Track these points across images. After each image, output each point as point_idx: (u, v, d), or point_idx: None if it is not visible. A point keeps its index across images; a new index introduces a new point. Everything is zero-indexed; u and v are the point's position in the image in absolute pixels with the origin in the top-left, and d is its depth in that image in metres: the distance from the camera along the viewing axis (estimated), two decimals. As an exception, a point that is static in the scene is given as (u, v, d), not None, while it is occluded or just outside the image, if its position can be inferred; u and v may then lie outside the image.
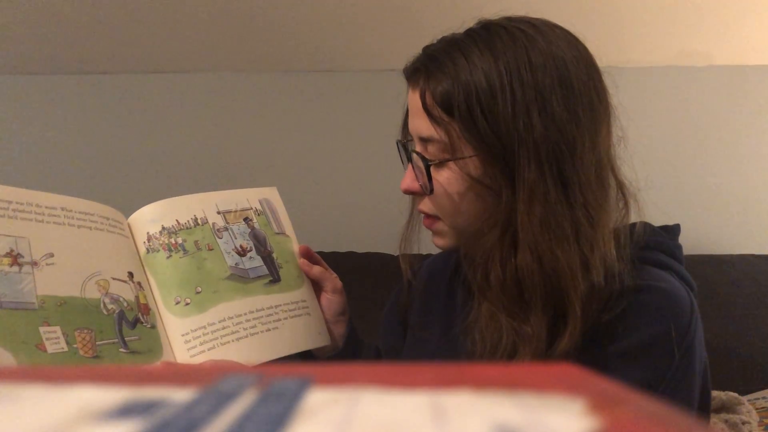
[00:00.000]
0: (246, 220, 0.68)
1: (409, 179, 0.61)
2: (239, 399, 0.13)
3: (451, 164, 0.57)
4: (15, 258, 0.48)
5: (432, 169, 0.58)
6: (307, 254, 0.73)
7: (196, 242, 0.62)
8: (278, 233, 0.70)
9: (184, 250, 0.62)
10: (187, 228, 0.63)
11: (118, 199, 1.51)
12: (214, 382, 0.14)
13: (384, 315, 0.83)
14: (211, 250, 0.63)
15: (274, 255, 0.68)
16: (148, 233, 0.61)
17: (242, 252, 0.65)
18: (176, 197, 0.64)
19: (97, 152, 1.53)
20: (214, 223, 0.65)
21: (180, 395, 0.13)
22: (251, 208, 0.69)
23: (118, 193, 1.51)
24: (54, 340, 0.48)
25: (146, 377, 0.15)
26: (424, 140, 0.58)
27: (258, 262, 0.66)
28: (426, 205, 0.61)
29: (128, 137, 1.54)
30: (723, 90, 1.52)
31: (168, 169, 1.53)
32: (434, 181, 0.58)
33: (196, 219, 0.64)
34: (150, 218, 0.62)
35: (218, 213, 0.66)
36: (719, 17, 1.37)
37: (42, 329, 0.47)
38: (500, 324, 0.56)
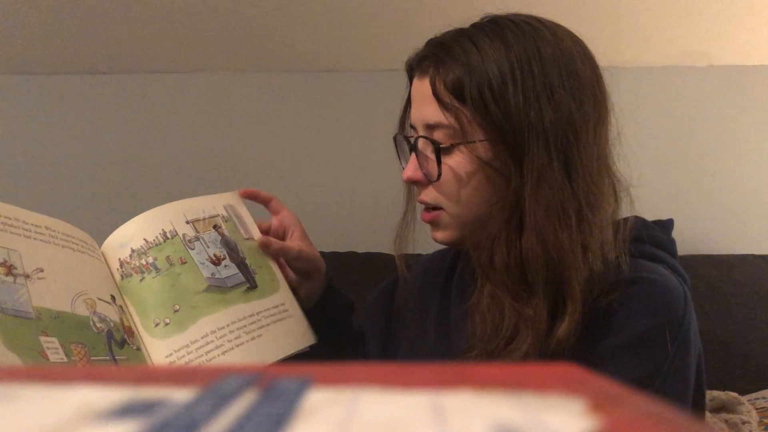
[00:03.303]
0: (215, 227, 0.65)
1: (411, 168, 0.61)
2: (239, 399, 0.13)
3: (462, 148, 0.58)
4: (9, 268, 0.48)
5: (441, 153, 0.58)
6: (253, 197, 0.70)
7: (167, 258, 0.60)
8: (247, 239, 0.68)
9: (156, 269, 0.60)
10: (156, 245, 0.61)
11: (117, 199, 1.51)
12: (214, 382, 0.14)
13: (372, 299, 0.82)
14: (185, 263, 0.61)
15: (247, 261, 0.66)
16: (119, 259, 0.60)
17: (217, 261, 0.63)
18: (143, 213, 0.62)
19: (97, 152, 1.53)
20: (184, 235, 0.62)
21: (180, 395, 0.13)
22: (218, 215, 0.67)
23: (117, 193, 1.51)
24: (54, 350, 0.47)
25: (146, 377, 0.15)
26: (431, 127, 0.59)
27: (233, 269, 0.64)
28: (429, 194, 0.61)
29: (128, 137, 1.54)
30: (723, 90, 1.52)
31: (167, 169, 1.53)
32: (443, 166, 0.58)
33: (164, 233, 0.62)
34: (119, 243, 0.61)
35: (187, 223, 0.64)
36: (719, 17, 1.37)
37: (42, 338, 0.47)
38: (503, 305, 0.57)
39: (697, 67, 1.52)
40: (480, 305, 0.59)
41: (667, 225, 0.67)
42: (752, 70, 1.52)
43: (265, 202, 0.72)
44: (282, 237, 0.71)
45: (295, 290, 0.71)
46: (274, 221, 0.72)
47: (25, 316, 0.47)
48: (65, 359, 0.48)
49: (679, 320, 0.55)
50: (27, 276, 0.49)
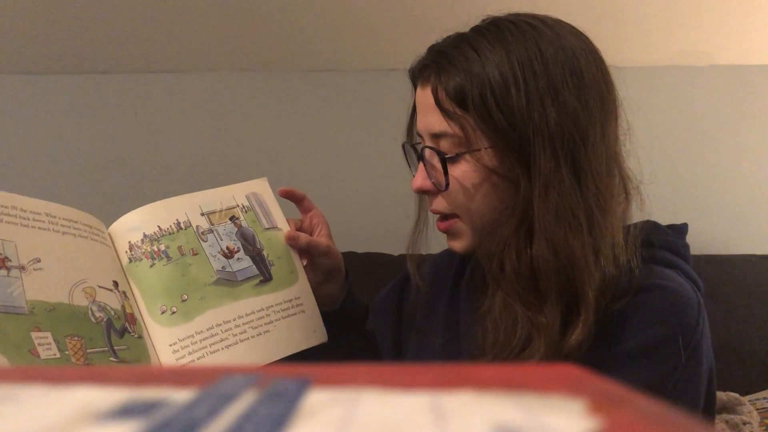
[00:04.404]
0: (232, 218, 0.65)
1: (420, 178, 0.61)
2: (239, 399, 0.13)
3: (467, 157, 0.57)
4: (3, 261, 0.47)
5: (447, 163, 0.58)
6: (289, 196, 0.70)
7: (179, 248, 0.60)
8: (268, 228, 0.67)
9: (168, 257, 0.59)
10: (169, 233, 0.61)
11: (118, 199, 1.51)
12: (214, 382, 0.14)
13: (380, 301, 0.81)
14: (196, 254, 0.61)
15: (265, 252, 0.65)
16: (129, 242, 0.59)
17: (229, 254, 0.63)
18: (157, 201, 0.62)
19: (97, 152, 1.53)
20: (198, 226, 0.62)
21: (180, 395, 0.13)
22: (237, 206, 0.66)
23: (117, 193, 1.51)
24: (46, 346, 0.46)
25: (146, 377, 0.15)
26: (436, 136, 0.58)
27: (246, 262, 0.63)
28: (440, 203, 0.61)
29: (128, 137, 1.54)
30: (724, 90, 1.52)
31: (167, 169, 1.53)
32: (450, 176, 0.58)
33: (178, 223, 0.61)
34: (131, 227, 0.60)
35: (202, 215, 0.63)
36: (720, 17, 1.37)
37: (33, 335, 0.46)
38: (515, 314, 0.56)
39: (699, 66, 1.52)
40: (492, 313, 0.58)
41: (681, 229, 0.65)
42: (753, 70, 1.51)
43: (299, 201, 0.72)
44: (310, 234, 0.71)
45: (314, 291, 0.70)
46: (305, 219, 0.72)
47: (18, 311, 0.46)
48: (58, 355, 0.47)
49: (692, 329, 0.54)
50: (22, 268, 0.48)
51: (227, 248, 0.63)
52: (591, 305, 0.53)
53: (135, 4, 1.31)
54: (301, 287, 0.67)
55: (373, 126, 1.51)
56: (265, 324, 0.62)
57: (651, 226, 0.61)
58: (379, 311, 0.80)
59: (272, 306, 0.63)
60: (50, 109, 1.53)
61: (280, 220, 0.69)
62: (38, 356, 0.46)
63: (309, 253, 0.69)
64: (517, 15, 0.58)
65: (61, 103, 1.53)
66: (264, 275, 0.64)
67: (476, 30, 0.58)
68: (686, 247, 0.64)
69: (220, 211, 0.65)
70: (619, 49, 1.45)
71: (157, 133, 1.54)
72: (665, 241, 0.61)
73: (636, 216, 0.61)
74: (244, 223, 0.66)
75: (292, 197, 0.71)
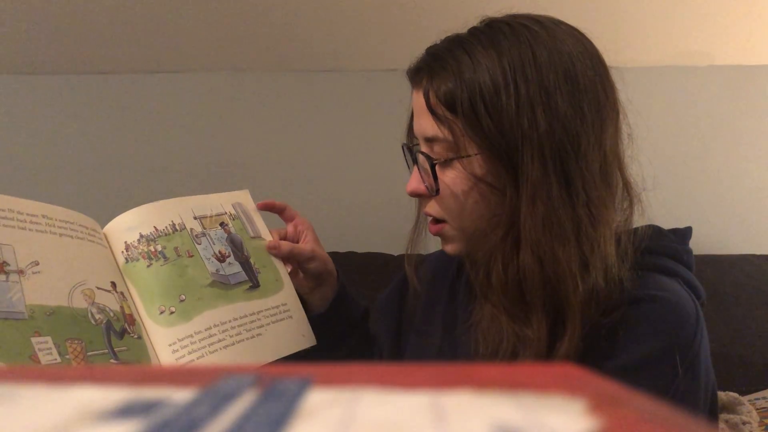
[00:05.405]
0: (222, 225, 0.66)
1: (414, 181, 0.61)
2: (239, 399, 0.13)
3: (456, 163, 0.56)
4: (1, 266, 0.46)
5: (438, 168, 0.57)
6: (269, 208, 0.70)
7: (176, 249, 0.61)
8: (254, 237, 0.69)
9: (165, 257, 0.60)
10: (165, 234, 0.61)
11: (118, 200, 1.51)
12: (214, 382, 0.14)
13: (382, 302, 0.81)
14: (192, 256, 0.61)
15: (252, 260, 0.66)
16: (125, 242, 0.59)
17: (221, 258, 0.64)
18: (152, 203, 0.62)
19: (97, 152, 1.53)
20: (192, 229, 0.63)
21: (180, 395, 0.13)
22: (226, 213, 0.68)
23: (117, 193, 1.51)
24: (46, 350, 0.46)
25: (146, 377, 0.15)
26: (429, 140, 0.58)
27: (237, 267, 0.65)
28: (432, 207, 0.61)
29: (128, 137, 1.54)
30: (724, 90, 1.52)
31: (167, 169, 1.53)
32: (440, 182, 0.57)
33: (174, 225, 0.62)
34: (127, 227, 0.60)
35: (195, 218, 0.64)
36: (720, 17, 1.37)
37: (33, 340, 0.45)
38: (501, 326, 0.55)
39: (699, 66, 1.52)
40: (481, 325, 0.57)
41: (684, 234, 0.63)
42: (753, 70, 1.52)
43: (280, 211, 0.72)
44: (296, 241, 0.72)
45: (308, 296, 0.71)
46: (289, 227, 0.73)
47: (18, 317, 0.45)
48: (58, 359, 0.47)
49: (689, 342, 0.52)
50: (21, 272, 0.47)
51: (219, 252, 0.64)
52: (577, 319, 0.52)
53: (135, 4, 1.31)
54: (287, 294, 0.68)
55: (373, 126, 1.51)
56: (258, 327, 0.63)
57: (653, 231, 0.60)
58: (380, 312, 0.80)
59: (262, 311, 0.64)
60: (50, 109, 1.53)
61: (263, 230, 0.71)
62: (38, 361, 0.45)
63: (295, 260, 0.70)
64: (515, 17, 0.57)
65: (61, 103, 1.53)
66: (252, 281, 0.66)
67: (471, 32, 0.57)
68: (689, 252, 0.62)
69: (211, 216, 0.66)
70: (619, 49, 1.45)
71: (157, 133, 1.54)
72: (667, 247, 0.60)
73: (636, 220, 0.60)
74: (232, 230, 0.67)
75: (272, 209, 0.71)
